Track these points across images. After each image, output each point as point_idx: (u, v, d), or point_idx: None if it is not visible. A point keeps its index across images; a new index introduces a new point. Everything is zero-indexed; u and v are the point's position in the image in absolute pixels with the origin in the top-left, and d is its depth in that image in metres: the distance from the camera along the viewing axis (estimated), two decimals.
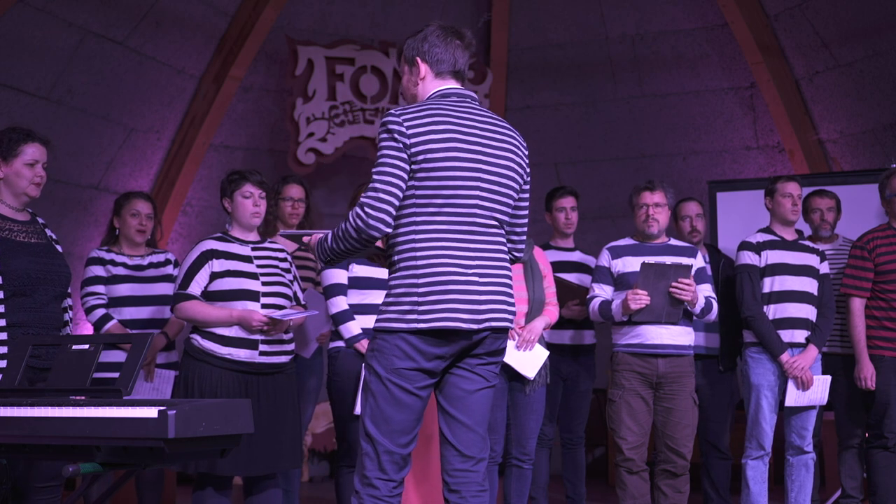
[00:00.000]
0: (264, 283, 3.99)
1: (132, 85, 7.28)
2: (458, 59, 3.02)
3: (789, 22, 7.38)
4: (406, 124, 2.81)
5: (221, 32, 7.64)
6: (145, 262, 4.73)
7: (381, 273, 4.45)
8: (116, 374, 4.18)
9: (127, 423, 2.68)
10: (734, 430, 5.48)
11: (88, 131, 7.15)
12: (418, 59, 3.01)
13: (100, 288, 4.60)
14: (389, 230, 2.81)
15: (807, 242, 4.95)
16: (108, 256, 4.66)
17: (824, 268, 4.89)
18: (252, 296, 3.95)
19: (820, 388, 4.75)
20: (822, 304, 4.84)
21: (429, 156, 2.80)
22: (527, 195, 3.05)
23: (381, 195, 2.76)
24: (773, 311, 4.76)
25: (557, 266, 5.09)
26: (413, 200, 2.82)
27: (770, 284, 4.79)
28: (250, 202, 4.04)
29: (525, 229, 3.08)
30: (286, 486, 4.70)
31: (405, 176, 2.80)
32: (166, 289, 4.72)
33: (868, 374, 4.81)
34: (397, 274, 2.86)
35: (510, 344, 4.46)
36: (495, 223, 2.92)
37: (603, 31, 8.04)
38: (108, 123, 7.28)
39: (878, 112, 7.25)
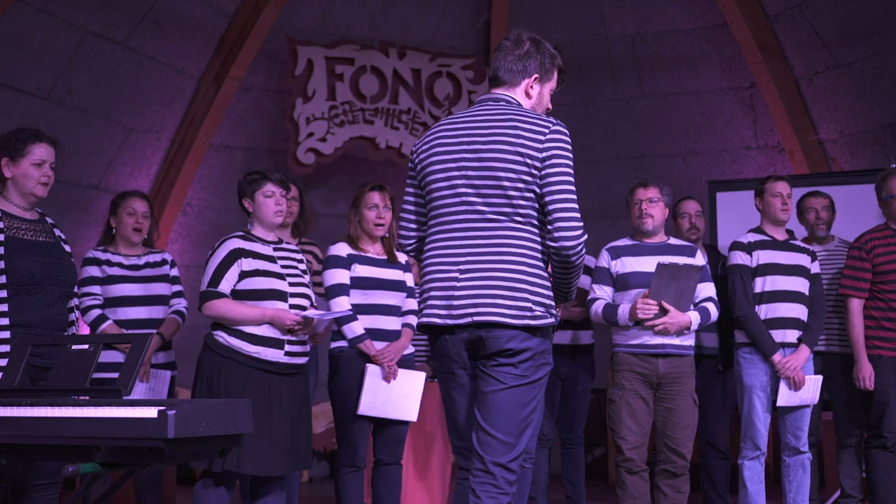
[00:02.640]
0: (290, 284, 4.01)
1: (132, 85, 7.29)
2: (493, 65, 3.10)
3: (789, 22, 7.38)
4: (414, 148, 3.11)
5: (221, 32, 7.65)
6: (142, 261, 4.73)
7: (385, 273, 4.46)
8: (112, 374, 4.23)
9: (127, 423, 2.68)
10: (733, 430, 5.48)
11: (88, 131, 7.15)
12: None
13: (95, 289, 4.60)
14: (409, 242, 3.12)
15: (798, 242, 4.95)
16: (103, 257, 4.66)
17: (815, 267, 4.88)
18: (281, 296, 3.96)
19: (811, 388, 4.75)
20: (814, 303, 4.84)
21: (420, 167, 3.05)
22: (551, 181, 2.89)
23: (400, 214, 3.15)
24: (765, 311, 4.76)
25: None
26: (427, 213, 3.09)
27: (761, 284, 4.78)
28: (272, 201, 4.05)
29: (563, 214, 2.88)
30: (286, 486, 4.70)
31: (418, 192, 3.09)
32: (163, 289, 4.72)
33: (867, 374, 4.82)
34: None
35: None
36: (499, 217, 2.90)
37: (603, 31, 8.04)
38: (108, 123, 7.28)
39: (878, 112, 7.26)
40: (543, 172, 2.89)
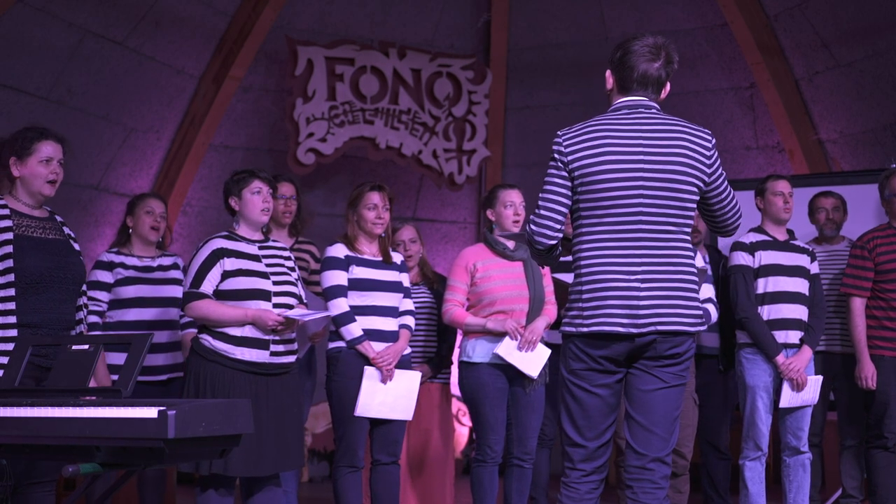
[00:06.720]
0: (275, 283, 3.99)
1: (132, 85, 7.29)
2: (639, 69, 3.09)
3: (789, 22, 7.38)
4: (565, 144, 3.04)
5: (221, 32, 7.65)
6: (155, 263, 4.73)
7: (382, 275, 4.45)
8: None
9: (127, 423, 2.68)
10: (734, 430, 5.47)
11: (88, 131, 7.15)
12: (608, 71, 3.19)
13: (101, 294, 4.58)
14: (553, 241, 3.05)
15: (798, 242, 4.93)
16: (117, 259, 4.66)
17: (815, 268, 4.87)
18: (264, 295, 3.94)
19: (812, 388, 4.75)
20: (815, 304, 4.83)
21: (584, 171, 2.99)
22: (719, 182, 3.07)
23: (542, 211, 3.04)
24: (767, 312, 4.74)
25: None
26: (580, 213, 3.03)
27: (763, 285, 4.77)
28: (259, 198, 4.03)
29: (728, 208, 3.12)
30: (284, 486, 4.69)
31: (566, 192, 3.02)
32: (173, 291, 4.71)
33: (869, 373, 4.81)
34: (573, 281, 3.07)
35: (512, 344, 4.47)
36: (670, 228, 3.00)
37: (603, 31, 8.04)
38: (107, 123, 7.28)
39: (878, 112, 7.26)
40: (712, 178, 3.05)
